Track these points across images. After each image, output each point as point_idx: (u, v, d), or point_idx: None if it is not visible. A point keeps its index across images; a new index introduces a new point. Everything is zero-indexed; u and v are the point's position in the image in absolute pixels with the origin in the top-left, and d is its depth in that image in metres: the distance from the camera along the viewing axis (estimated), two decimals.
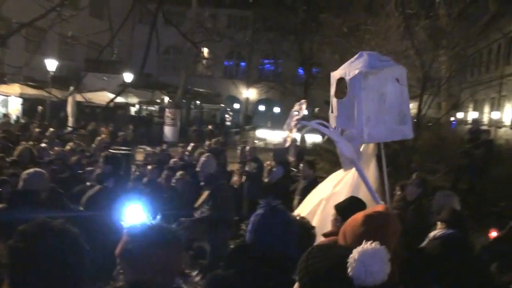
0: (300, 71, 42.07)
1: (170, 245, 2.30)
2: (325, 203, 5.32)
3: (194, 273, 6.03)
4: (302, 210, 5.57)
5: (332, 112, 5.66)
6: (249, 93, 46.59)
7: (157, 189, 8.96)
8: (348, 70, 5.27)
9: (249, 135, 38.65)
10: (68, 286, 1.97)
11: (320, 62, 38.49)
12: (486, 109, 29.14)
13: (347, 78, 5.20)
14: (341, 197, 4.81)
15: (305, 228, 3.44)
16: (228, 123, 42.94)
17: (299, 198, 7.99)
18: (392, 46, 13.54)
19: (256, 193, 10.19)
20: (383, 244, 2.34)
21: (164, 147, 14.48)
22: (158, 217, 2.37)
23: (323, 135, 12.14)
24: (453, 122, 28.64)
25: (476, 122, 14.95)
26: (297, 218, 3.45)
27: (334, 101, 5.55)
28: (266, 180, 9.90)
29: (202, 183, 7.39)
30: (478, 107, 30.34)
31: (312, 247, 1.97)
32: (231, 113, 47.22)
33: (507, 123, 26.49)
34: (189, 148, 14.58)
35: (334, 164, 13.52)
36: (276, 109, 47.31)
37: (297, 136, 12.50)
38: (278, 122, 40.79)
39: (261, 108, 48.64)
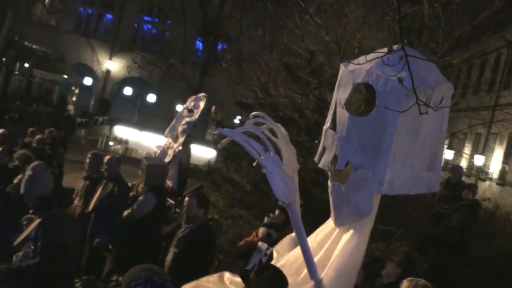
0: (199, 43, 42.07)
1: None
2: None
3: None
4: None
5: (329, 127, 5.54)
6: (112, 65, 45.77)
7: None
8: (376, 71, 5.07)
9: (102, 132, 37.88)
10: None
11: (230, 35, 38.77)
12: (467, 149, 30.31)
13: (378, 86, 5.03)
14: None
15: None
16: (70, 108, 41.75)
17: (177, 251, 8.03)
18: (352, 33, 13.61)
19: (106, 232, 9.78)
20: None
21: None
22: None
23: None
24: None
25: (458, 171, 15.46)
26: None
27: (341, 112, 5.39)
28: (127, 212, 9.52)
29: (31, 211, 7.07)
30: (454, 144, 31.66)
31: None
32: (76, 92, 46.05)
33: (495, 175, 27.57)
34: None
35: (236, 203, 13.35)
36: (151, 97, 46.93)
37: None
38: (150, 118, 40.48)
39: (127, 91, 47.82)
